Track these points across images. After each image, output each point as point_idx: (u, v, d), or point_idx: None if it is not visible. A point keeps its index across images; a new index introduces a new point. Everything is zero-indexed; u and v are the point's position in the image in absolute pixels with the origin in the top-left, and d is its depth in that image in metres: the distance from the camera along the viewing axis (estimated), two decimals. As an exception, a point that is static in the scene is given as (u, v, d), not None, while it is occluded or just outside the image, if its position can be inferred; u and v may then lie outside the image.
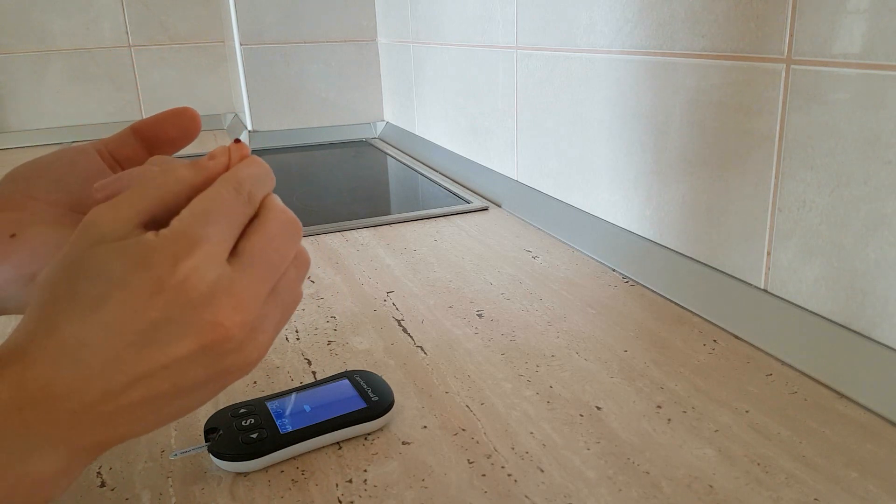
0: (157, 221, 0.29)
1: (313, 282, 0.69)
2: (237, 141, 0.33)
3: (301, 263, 0.33)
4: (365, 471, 0.41)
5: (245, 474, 0.41)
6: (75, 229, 0.31)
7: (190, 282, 0.27)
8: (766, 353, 0.52)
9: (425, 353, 0.54)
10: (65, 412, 0.26)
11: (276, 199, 0.32)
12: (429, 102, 1.22)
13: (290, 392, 0.46)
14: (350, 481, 0.40)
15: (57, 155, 0.38)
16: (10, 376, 0.26)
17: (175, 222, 0.28)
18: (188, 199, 0.30)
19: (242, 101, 1.44)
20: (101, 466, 0.42)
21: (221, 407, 0.45)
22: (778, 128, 0.50)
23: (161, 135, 0.40)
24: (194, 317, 0.27)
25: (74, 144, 0.40)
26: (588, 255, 0.73)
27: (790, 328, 0.51)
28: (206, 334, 0.28)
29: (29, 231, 0.35)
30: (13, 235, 0.34)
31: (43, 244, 0.35)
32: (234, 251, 0.29)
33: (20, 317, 0.29)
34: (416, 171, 1.17)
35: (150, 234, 0.27)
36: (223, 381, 0.30)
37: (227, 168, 0.31)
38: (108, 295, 0.27)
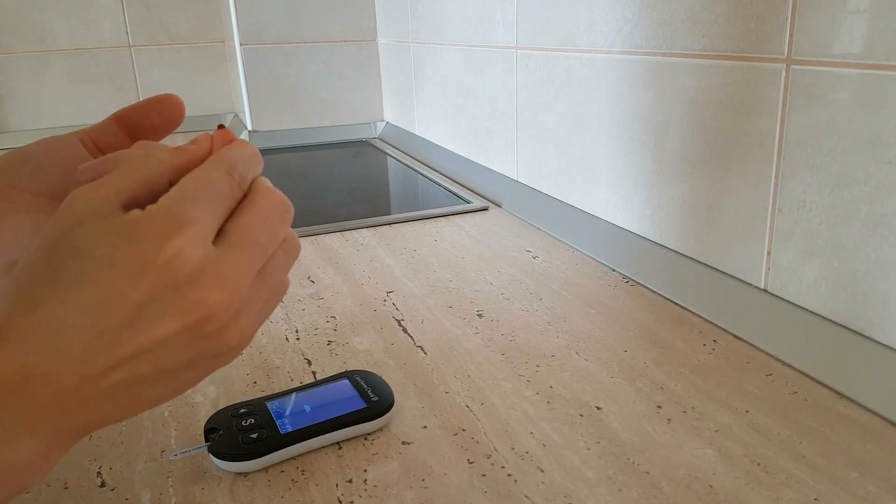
0: (139, 204, 0.29)
1: (313, 282, 0.69)
2: (221, 127, 0.33)
3: (290, 248, 0.33)
4: (365, 471, 0.41)
5: (245, 474, 0.41)
6: None
7: (177, 262, 0.27)
8: (766, 353, 0.52)
9: (425, 353, 0.54)
10: (43, 396, 0.26)
11: (266, 181, 0.32)
12: (429, 102, 1.22)
13: (290, 392, 0.46)
14: (350, 481, 0.40)
15: (38, 144, 0.38)
16: None
17: (163, 200, 0.28)
18: (170, 182, 0.29)
19: (242, 101, 1.44)
20: (101, 466, 0.42)
21: (221, 407, 0.45)
22: (778, 128, 0.50)
23: (144, 122, 0.40)
24: (178, 297, 0.27)
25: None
26: (588, 255, 0.73)
27: (790, 328, 0.51)
28: (189, 314, 0.27)
29: (10, 219, 0.35)
30: None
31: (25, 232, 0.34)
32: (221, 231, 0.29)
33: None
34: (416, 171, 1.17)
35: (136, 211, 0.27)
36: (205, 366, 0.29)
37: (211, 152, 0.31)
38: (90, 275, 0.26)
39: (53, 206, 0.36)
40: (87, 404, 0.27)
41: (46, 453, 0.27)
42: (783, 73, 0.49)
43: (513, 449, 0.42)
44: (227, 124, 1.66)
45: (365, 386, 0.46)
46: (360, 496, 0.38)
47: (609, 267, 0.70)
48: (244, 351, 0.55)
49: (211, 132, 0.32)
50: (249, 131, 1.41)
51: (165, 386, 0.29)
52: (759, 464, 0.40)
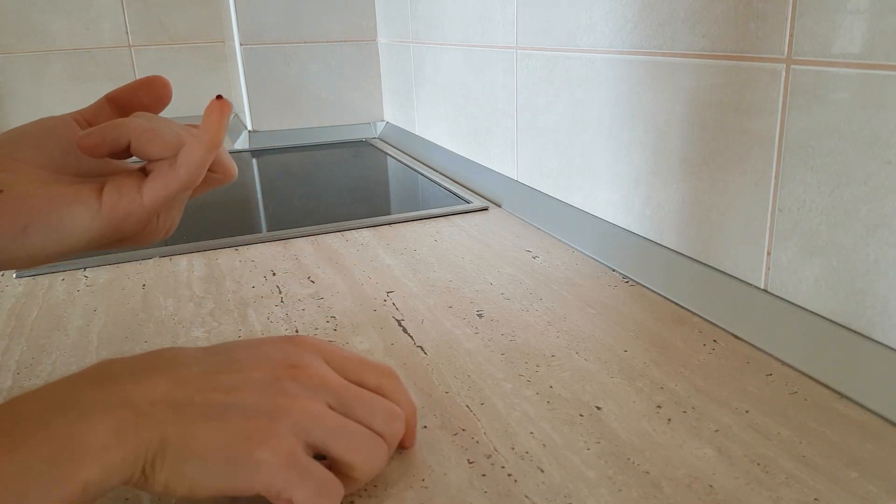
0: None
1: (313, 282, 0.69)
2: (219, 97, 0.34)
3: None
4: (365, 471, 0.40)
5: (245, 474, 0.41)
6: (62, 189, 0.36)
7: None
8: (766, 353, 0.52)
9: (425, 353, 0.54)
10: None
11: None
12: (429, 102, 1.22)
13: (290, 392, 0.46)
14: (350, 481, 0.40)
15: (35, 123, 0.40)
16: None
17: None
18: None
19: (242, 101, 1.44)
20: (101, 466, 0.42)
21: (221, 407, 0.45)
22: (778, 128, 0.50)
23: (135, 101, 0.42)
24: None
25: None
26: (588, 255, 0.73)
27: (790, 328, 0.51)
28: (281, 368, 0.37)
29: (17, 187, 0.36)
30: (1, 191, 0.35)
31: (33, 197, 0.36)
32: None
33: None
34: (416, 171, 1.17)
35: None
36: (239, 445, 0.33)
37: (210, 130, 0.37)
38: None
39: (56, 178, 0.39)
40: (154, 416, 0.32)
41: (115, 441, 0.29)
42: (783, 73, 0.49)
43: (513, 449, 0.42)
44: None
45: (365, 386, 0.46)
46: (361, 496, 0.38)
47: (609, 267, 0.70)
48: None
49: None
50: (249, 131, 1.41)
51: (200, 463, 0.32)
52: (759, 464, 0.40)
